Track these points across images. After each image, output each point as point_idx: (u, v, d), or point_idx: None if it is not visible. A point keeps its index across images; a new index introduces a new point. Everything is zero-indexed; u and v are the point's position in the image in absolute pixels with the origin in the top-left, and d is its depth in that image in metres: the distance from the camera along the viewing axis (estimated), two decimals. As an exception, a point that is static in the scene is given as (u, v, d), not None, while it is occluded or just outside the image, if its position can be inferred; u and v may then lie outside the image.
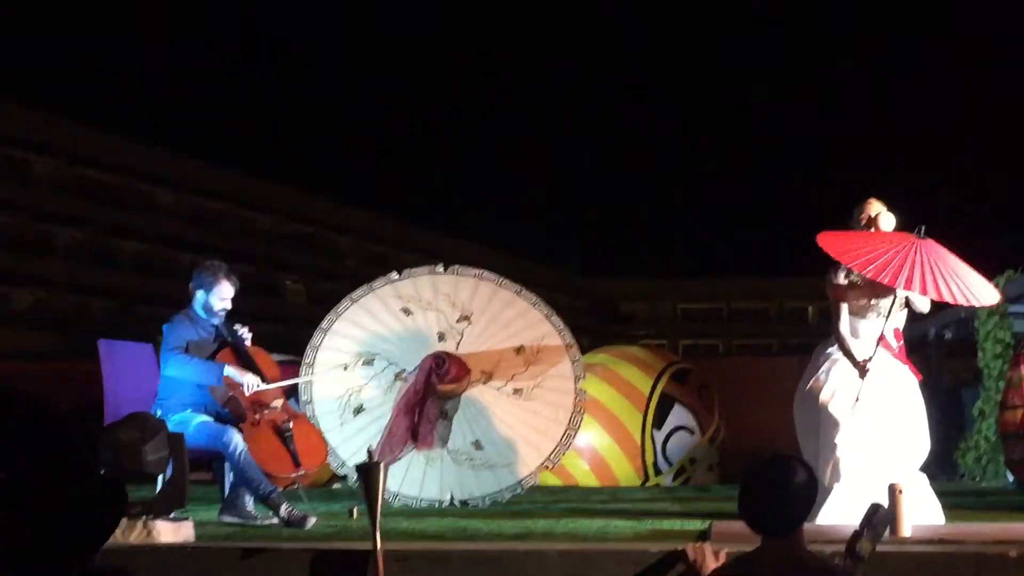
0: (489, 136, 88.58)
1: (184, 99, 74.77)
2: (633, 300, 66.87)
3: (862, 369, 6.66)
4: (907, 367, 6.96)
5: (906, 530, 5.58)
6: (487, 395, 8.87)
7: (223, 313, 7.25)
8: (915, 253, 6.39)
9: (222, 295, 7.20)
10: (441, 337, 8.97)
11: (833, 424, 6.73)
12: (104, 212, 46.99)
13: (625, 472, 12.53)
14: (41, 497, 2.73)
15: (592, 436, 12.21)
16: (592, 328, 53.43)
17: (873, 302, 6.84)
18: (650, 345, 26.26)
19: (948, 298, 6.36)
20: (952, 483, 12.06)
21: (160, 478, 6.38)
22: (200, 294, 7.19)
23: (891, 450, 6.68)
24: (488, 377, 8.91)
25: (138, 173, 48.14)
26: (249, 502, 6.92)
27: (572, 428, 8.83)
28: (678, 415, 12.75)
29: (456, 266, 9.33)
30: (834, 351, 6.94)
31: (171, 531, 5.75)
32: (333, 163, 77.81)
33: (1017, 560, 4.82)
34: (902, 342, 6.99)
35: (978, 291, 6.55)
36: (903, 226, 6.86)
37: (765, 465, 3.99)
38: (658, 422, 12.65)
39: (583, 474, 12.43)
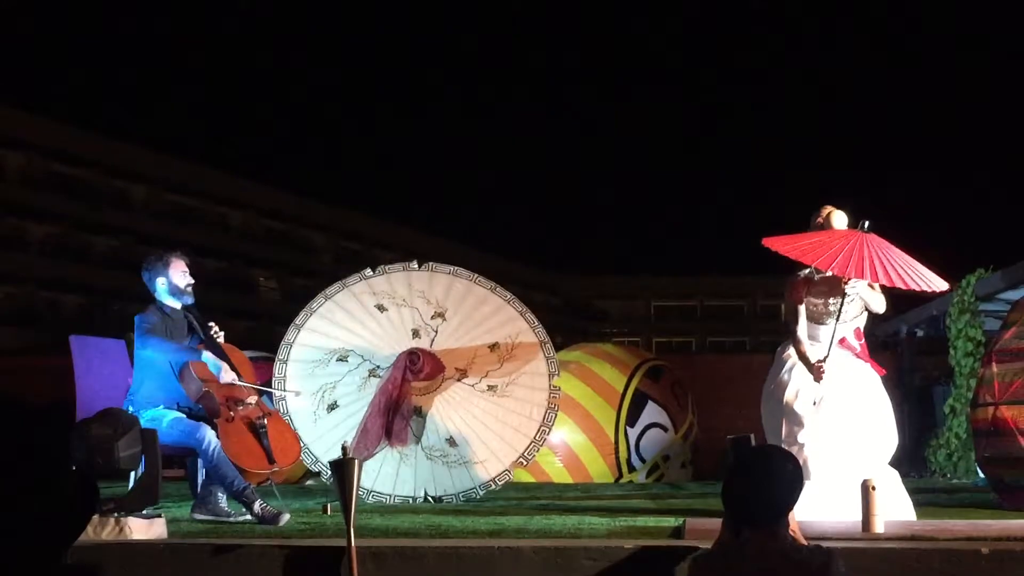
0: (465, 133, 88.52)
1: (157, 94, 74.40)
2: (607, 297, 66.93)
3: (817, 372, 6.68)
4: (869, 364, 6.97)
5: (878, 526, 5.60)
6: (461, 392, 8.87)
7: (190, 289, 7.15)
8: (862, 245, 6.47)
9: (180, 269, 7.13)
10: (415, 334, 8.97)
11: (797, 423, 6.78)
12: (76, 207, 46.69)
13: (598, 469, 12.55)
14: (12, 491, 2.71)
15: (566, 433, 12.23)
16: (566, 325, 53.48)
17: (831, 305, 6.87)
18: (624, 342, 26.32)
19: (899, 283, 6.42)
20: (923, 480, 12.14)
21: (132, 474, 6.35)
22: (160, 282, 7.10)
23: (859, 446, 6.69)
24: (462, 374, 8.92)
25: (111, 168, 47.88)
26: (222, 499, 6.89)
27: (546, 425, 8.85)
28: (652, 412, 12.79)
29: (430, 263, 9.33)
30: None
31: (144, 528, 5.71)
32: (307, 159, 77.56)
33: (988, 557, 4.85)
34: (863, 341, 7.02)
35: (928, 278, 6.62)
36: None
37: (752, 455, 4.06)
38: (632, 419, 12.68)
39: (556, 471, 12.44)
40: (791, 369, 6.93)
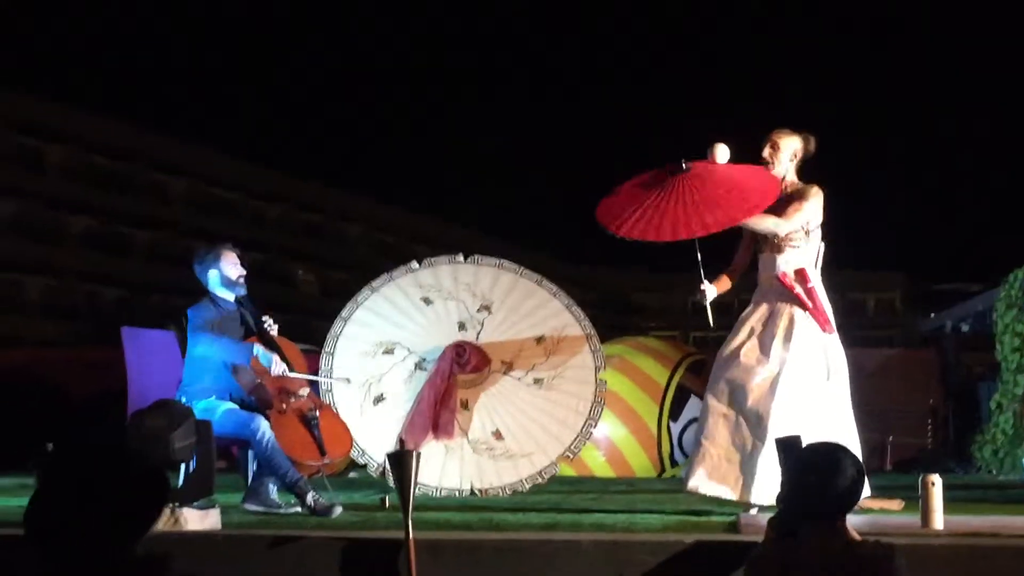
0: (505, 130, 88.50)
1: (198, 89, 74.82)
2: (644, 292, 66.75)
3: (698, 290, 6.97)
4: (809, 314, 6.68)
5: (938, 522, 5.54)
6: (507, 385, 8.85)
7: (243, 280, 7.20)
8: (658, 195, 6.68)
9: (232, 261, 7.19)
10: (462, 327, 8.95)
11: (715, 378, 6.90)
12: (116, 201, 47.02)
13: (641, 464, 12.52)
14: (86, 483, 2.73)
15: (609, 427, 12.20)
16: (603, 320, 53.38)
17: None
18: (662, 336, 26.23)
19: (698, 231, 6.61)
20: (969, 476, 12.04)
21: (183, 466, 6.37)
22: (213, 274, 7.16)
23: (801, 411, 6.42)
24: (508, 367, 8.89)
25: (151, 162, 48.19)
26: (273, 490, 6.91)
27: (593, 418, 8.81)
28: (695, 407, 12.70)
29: (476, 256, 9.31)
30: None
31: (198, 519, 5.74)
32: (344, 153, 77.77)
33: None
34: (811, 285, 6.71)
35: (749, 199, 6.61)
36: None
37: (818, 450, 4.09)
38: (674, 414, 12.64)
39: (599, 465, 12.41)
40: (743, 321, 6.93)
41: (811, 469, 4.02)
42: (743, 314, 6.97)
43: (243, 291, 7.20)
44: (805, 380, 6.55)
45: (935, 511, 5.54)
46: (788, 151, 6.86)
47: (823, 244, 6.93)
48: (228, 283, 7.16)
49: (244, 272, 7.25)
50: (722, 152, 6.86)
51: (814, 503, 3.96)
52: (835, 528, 3.99)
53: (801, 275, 6.75)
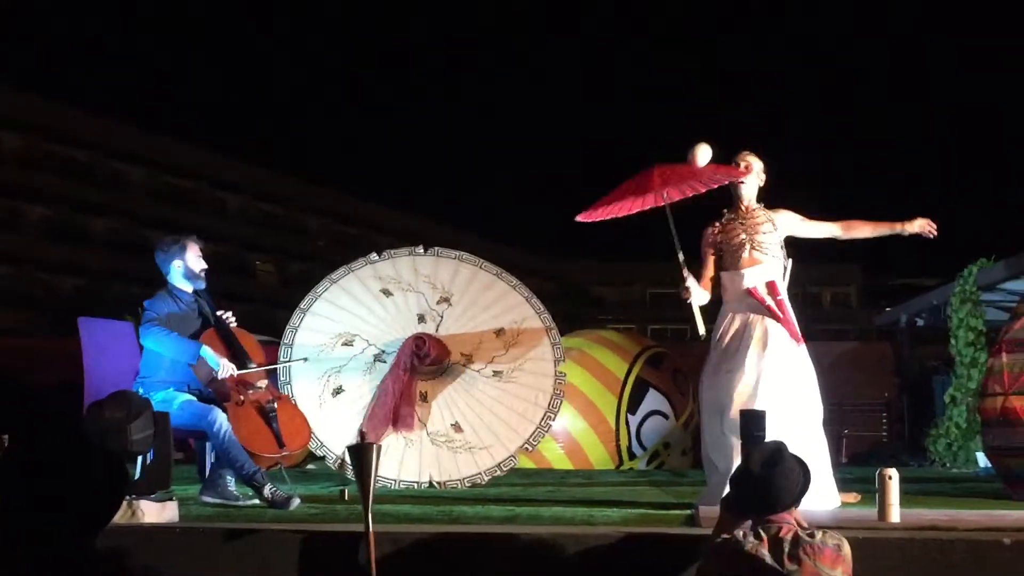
0: (462, 117, 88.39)
1: (155, 76, 74.22)
2: (603, 284, 66.91)
3: (683, 288, 7.06)
4: (780, 325, 6.89)
5: (894, 516, 5.59)
6: (467, 377, 8.85)
7: (204, 273, 7.19)
8: (634, 188, 7.15)
9: (196, 254, 7.17)
10: (421, 319, 8.95)
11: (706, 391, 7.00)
12: (74, 189, 46.63)
13: (599, 456, 12.54)
14: (45, 474, 2.71)
15: (567, 420, 12.20)
16: (561, 312, 53.40)
17: (738, 246, 7.05)
18: (620, 329, 26.30)
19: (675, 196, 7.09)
20: (923, 469, 12.15)
21: (140, 458, 6.33)
22: (176, 264, 7.12)
23: (779, 417, 6.57)
24: (468, 359, 8.89)
25: (108, 150, 47.80)
26: (231, 482, 6.88)
27: (552, 411, 8.83)
28: (653, 400, 12.77)
29: (436, 248, 9.31)
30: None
31: (156, 511, 5.70)
32: (304, 142, 77.45)
33: (1011, 547, 4.85)
34: (781, 298, 6.95)
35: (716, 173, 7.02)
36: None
37: (776, 447, 4.20)
38: (633, 406, 12.66)
39: (557, 457, 12.43)
40: (718, 340, 7.03)
41: (773, 460, 4.14)
42: (716, 335, 7.06)
43: (203, 285, 7.19)
44: (781, 388, 6.71)
45: (892, 504, 5.60)
46: (757, 170, 7.16)
47: (790, 260, 7.19)
48: (191, 275, 7.13)
49: (206, 266, 7.23)
50: (703, 153, 7.00)
51: (772, 493, 4.08)
52: (788, 519, 4.11)
53: (771, 287, 6.98)
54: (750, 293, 6.94)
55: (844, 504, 6.79)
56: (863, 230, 7.19)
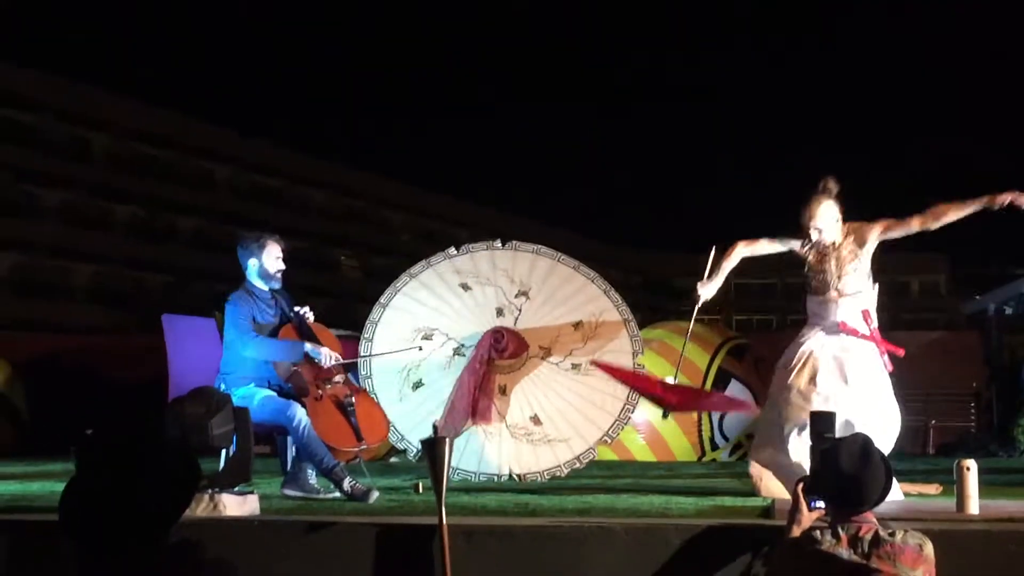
0: (543, 111, 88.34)
1: (241, 77, 75.14)
2: (687, 276, 66.58)
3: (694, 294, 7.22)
4: (879, 347, 6.91)
5: (973, 507, 5.51)
6: (545, 370, 8.86)
7: (279, 275, 7.27)
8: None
9: (274, 254, 7.24)
10: (500, 312, 8.97)
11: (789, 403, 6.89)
12: (161, 188, 47.43)
13: (681, 447, 12.51)
14: (120, 469, 2.77)
15: (649, 411, 12.18)
16: (645, 303, 53.32)
17: (828, 272, 7.05)
18: (704, 320, 26.16)
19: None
20: (1011, 460, 11.94)
21: (223, 452, 6.44)
22: (252, 263, 7.21)
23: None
24: (547, 352, 8.90)
25: (195, 149, 48.55)
26: (311, 476, 6.97)
27: (630, 403, 8.80)
28: (735, 390, 12.70)
29: (514, 242, 9.33)
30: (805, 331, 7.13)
31: (237, 504, 5.80)
32: (387, 139, 77.93)
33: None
34: (874, 325, 6.96)
35: None
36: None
37: (866, 442, 4.12)
38: (715, 398, 12.61)
39: (639, 449, 12.42)
40: (799, 348, 7.00)
41: (863, 458, 4.06)
42: (803, 343, 7.06)
43: (278, 285, 7.26)
44: (869, 409, 6.73)
45: (970, 496, 5.52)
46: (830, 217, 7.07)
47: (877, 285, 7.18)
48: (265, 275, 7.22)
49: (283, 268, 7.29)
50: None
51: (857, 491, 4.01)
52: (867, 516, 4.04)
53: (865, 316, 6.97)
54: (841, 326, 6.89)
55: (923, 495, 6.72)
56: (951, 214, 7.00)
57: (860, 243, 7.02)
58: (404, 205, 57.43)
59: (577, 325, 8.98)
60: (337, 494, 6.76)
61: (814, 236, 7.05)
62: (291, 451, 7.14)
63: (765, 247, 7.41)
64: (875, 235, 7.04)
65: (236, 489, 6.00)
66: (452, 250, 9.28)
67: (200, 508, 5.67)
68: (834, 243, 7.05)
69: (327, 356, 6.98)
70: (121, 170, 46.20)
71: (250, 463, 6.26)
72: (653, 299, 59.50)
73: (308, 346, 7.01)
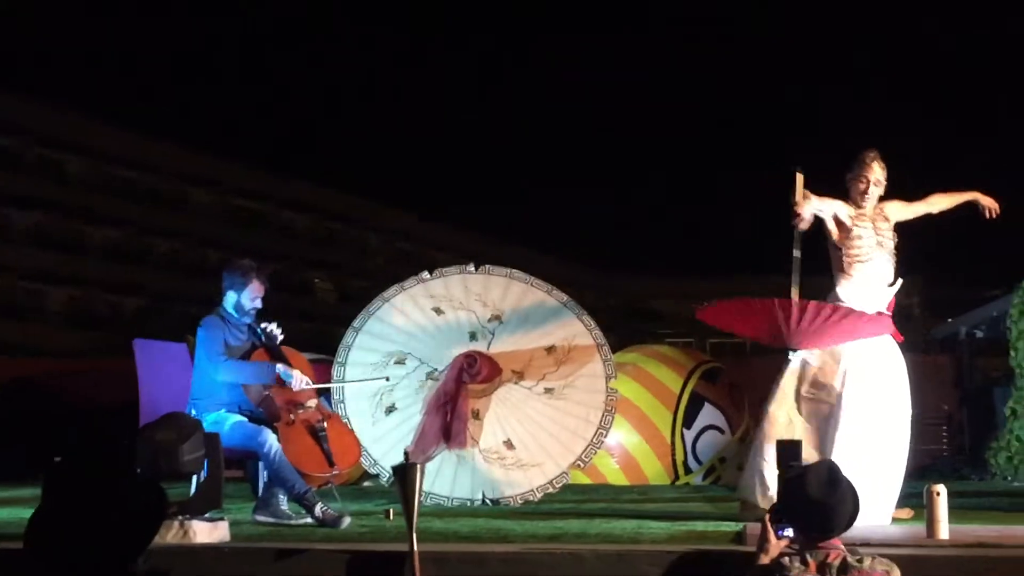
0: (519, 135, 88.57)
1: (216, 99, 75.05)
2: (661, 298, 66.67)
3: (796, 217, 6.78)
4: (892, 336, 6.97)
5: (943, 532, 5.54)
6: (518, 394, 8.89)
7: (253, 312, 7.28)
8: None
9: (253, 295, 7.23)
10: (472, 336, 9.00)
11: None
12: (137, 211, 47.31)
13: (655, 471, 12.53)
14: (86, 497, 2.76)
15: (622, 435, 12.21)
16: (619, 326, 53.40)
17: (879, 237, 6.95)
18: (678, 344, 26.22)
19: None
20: (984, 483, 12.00)
21: (194, 478, 6.42)
22: (231, 294, 7.22)
23: (879, 447, 6.70)
24: (519, 376, 8.93)
25: (170, 172, 48.47)
26: (283, 502, 6.95)
27: (603, 427, 8.84)
28: (708, 414, 12.74)
29: (487, 266, 9.36)
30: None
31: (207, 531, 5.78)
32: (361, 161, 77.95)
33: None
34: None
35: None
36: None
37: (834, 469, 4.13)
38: (688, 421, 12.64)
39: (613, 473, 12.43)
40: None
41: (831, 484, 4.07)
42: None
43: (249, 320, 7.27)
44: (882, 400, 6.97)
45: (940, 521, 5.54)
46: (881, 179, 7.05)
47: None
48: (240, 309, 7.22)
49: (259, 307, 7.29)
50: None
51: (828, 517, 4.02)
52: (835, 543, 4.05)
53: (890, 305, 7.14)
54: (886, 307, 6.93)
55: (896, 520, 6.75)
56: (943, 201, 7.13)
57: (885, 219, 7.01)
58: (379, 227, 57.42)
59: (550, 349, 9.01)
60: (309, 520, 6.73)
61: (873, 194, 6.95)
62: (263, 476, 7.12)
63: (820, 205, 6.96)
64: (895, 213, 7.04)
65: (207, 515, 5.98)
66: (425, 274, 9.30)
67: (170, 535, 5.64)
68: (878, 212, 6.99)
69: (299, 379, 6.97)
70: (96, 193, 46.07)
71: (221, 489, 6.24)
72: (628, 322, 59.62)
73: (280, 367, 7.01)
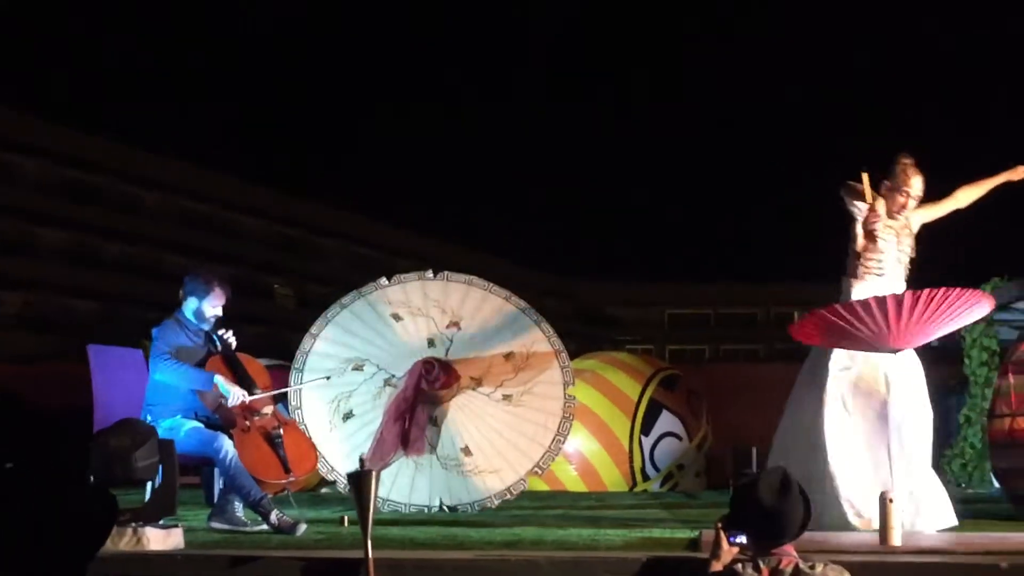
0: (479, 139, 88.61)
1: (169, 100, 74.64)
2: (620, 305, 66.91)
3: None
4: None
5: (895, 539, 5.58)
6: (476, 401, 8.87)
7: (213, 320, 7.24)
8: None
9: (214, 303, 7.19)
10: (431, 343, 8.97)
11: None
12: (89, 213, 46.89)
13: (613, 478, 12.56)
14: (33, 504, 2.73)
15: (580, 442, 12.24)
16: (578, 333, 53.49)
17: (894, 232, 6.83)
18: (637, 350, 26.32)
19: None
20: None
21: (149, 484, 6.37)
22: (192, 300, 7.17)
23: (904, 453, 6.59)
24: (477, 383, 8.91)
25: (123, 174, 48.06)
26: (239, 508, 6.90)
27: (561, 434, 8.84)
28: (666, 421, 12.79)
29: (445, 272, 9.34)
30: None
31: (161, 538, 5.72)
32: (320, 165, 77.73)
33: (1007, 571, 4.83)
34: None
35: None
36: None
37: (786, 475, 4.13)
38: (646, 428, 12.69)
39: (571, 479, 12.45)
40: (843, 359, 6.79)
41: (784, 490, 4.08)
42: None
43: (207, 327, 7.22)
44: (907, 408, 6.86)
45: (893, 528, 5.59)
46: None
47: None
48: (200, 316, 7.18)
49: (219, 315, 7.25)
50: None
51: (780, 524, 4.03)
52: (787, 550, 4.06)
53: None
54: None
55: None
56: (971, 193, 6.98)
57: (910, 232, 6.91)
58: (338, 232, 57.23)
59: (508, 356, 9.00)
60: (264, 527, 6.70)
61: (911, 207, 6.80)
62: (217, 483, 7.08)
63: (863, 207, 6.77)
64: (919, 220, 6.92)
65: (161, 522, 5.93)
66: (384, 280, 9.27)
67: (123, 542, 5.59)
68: (906, 222, 6.86)
69: (235, 397, 6.89)
70: (47, 194, 45.62)
71: (175, 496, 6.20)
72: (587, 328, 59.74)
73: (219, 379, 6.93)
